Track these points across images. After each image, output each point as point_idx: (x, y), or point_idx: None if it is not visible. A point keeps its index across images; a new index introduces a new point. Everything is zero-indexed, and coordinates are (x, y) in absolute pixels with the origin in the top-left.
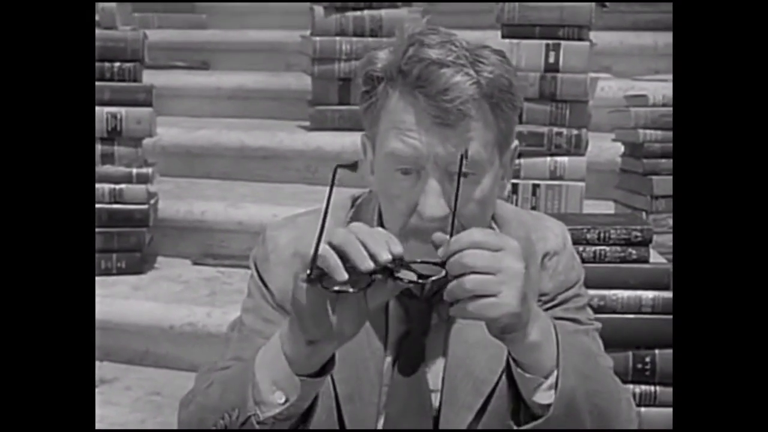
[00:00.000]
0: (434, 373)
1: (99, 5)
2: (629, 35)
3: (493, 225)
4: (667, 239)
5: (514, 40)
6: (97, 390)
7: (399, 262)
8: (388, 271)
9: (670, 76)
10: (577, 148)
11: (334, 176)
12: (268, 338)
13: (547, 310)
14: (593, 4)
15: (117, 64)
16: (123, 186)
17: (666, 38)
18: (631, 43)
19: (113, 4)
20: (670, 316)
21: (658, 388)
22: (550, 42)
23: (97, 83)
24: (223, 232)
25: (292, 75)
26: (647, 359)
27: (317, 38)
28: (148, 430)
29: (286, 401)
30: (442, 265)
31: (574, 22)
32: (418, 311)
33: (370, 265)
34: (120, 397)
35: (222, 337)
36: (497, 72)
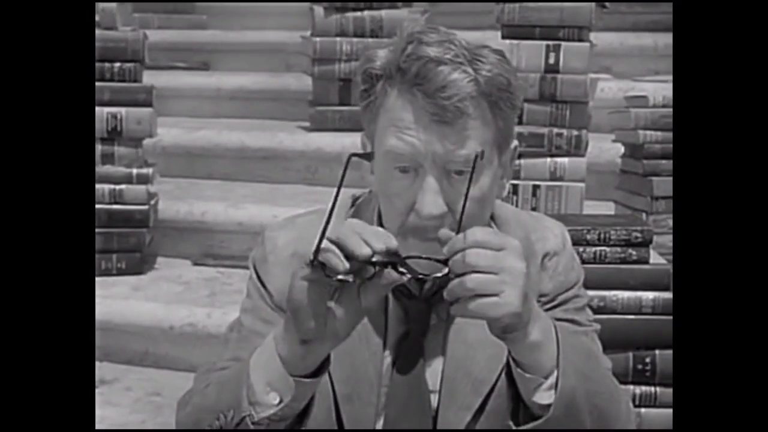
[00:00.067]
0: (433, 373)
1: (99, 5)
2: (629, 36)
3: (492, 225)
4: (667, 240)
5: (514, 41)
6: (97, 391)
7: (402, 257)
8: (390, 265)
9: (670, 77)
10: (577, 148)
11: (347, 165)
12: None
13: (546, 311)
14: (593, 5)
15: (117, 64)
16: (123, 186)
17: (666, 39)
18: (631, 44)
19: (113, 5)
20: (670, 317)
21: (658, 388)
22: (551, 43)
23: (97, 83)
24: (223, 233)
25: (292, 75)
26: (647, 360)
27: (317, 39)
28: (148, 431)
29: (281, 402)
30: (446, 262)
31: (574, 23)
32: (418, 311)
33: (367, 251)
34: (120, 397)
35: (221, 338)
36: (496, 70)
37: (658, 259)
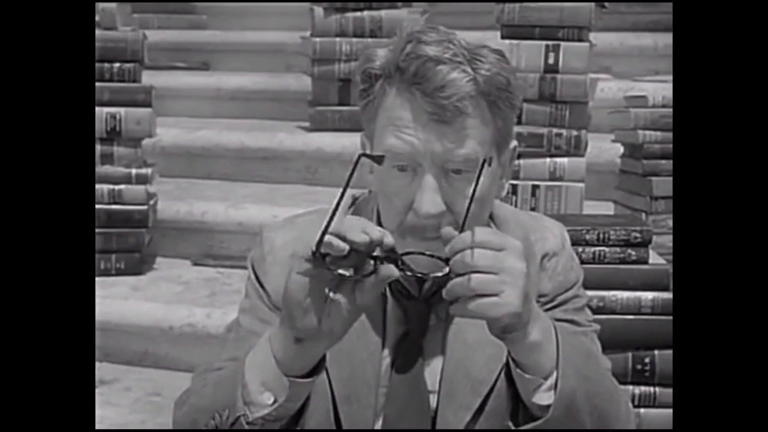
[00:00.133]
0: (432, 373)
1: (99, 6)
2: (629, 36)
3: (492, 225)
4: (667, 240)
5: (514, 41)
6: (97, 391)
7: (402, 254)
8: (390, 260)
9: (670, 77)
10: (576, 149)
11: (356, 164)
12: None
13: (546, 311)
14: (593, 5)
15: (117, 64)
16: (122, 187)
17: (666, 39)
18: (630, 44)
19: (113, 5)
20: (670, 317)
21: (657, 389)
22: (550, 43)
23: (96, 84)
24: (223, 233)
25: (292, 76)
26: (647, 360)
27: (317, 39)
28: (148, 431)
29: (275, 402)
30: (446, 260)
31: (573, 23)
32: (417, 312)
33: (366, 238)
34: (120, 398)
35: (220, 338)
36: (494, 70)
37: (657, 260)
